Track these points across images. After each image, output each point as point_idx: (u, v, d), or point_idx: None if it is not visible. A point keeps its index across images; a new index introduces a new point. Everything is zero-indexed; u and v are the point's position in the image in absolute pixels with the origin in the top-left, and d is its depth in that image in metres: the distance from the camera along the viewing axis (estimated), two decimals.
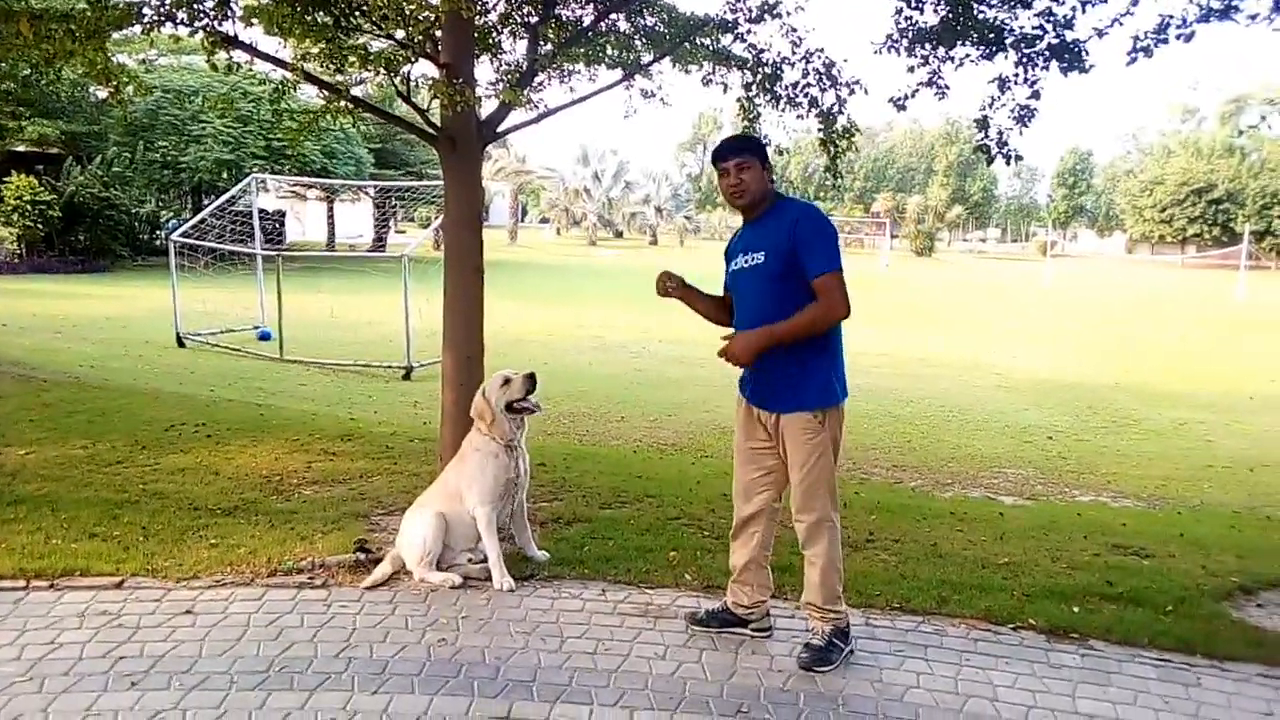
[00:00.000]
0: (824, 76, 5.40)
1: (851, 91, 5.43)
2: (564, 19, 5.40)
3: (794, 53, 5.42)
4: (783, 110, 5.59)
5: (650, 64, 5.67)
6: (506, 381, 4.08)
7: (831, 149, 5.56)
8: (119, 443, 6.27)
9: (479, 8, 4.90)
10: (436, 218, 16.34)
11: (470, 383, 4.67)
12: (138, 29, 4.70)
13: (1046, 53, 5.04)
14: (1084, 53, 4.99)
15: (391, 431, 7.38)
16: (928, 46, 5.20)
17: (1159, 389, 13.01)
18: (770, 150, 3.63)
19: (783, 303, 3.25)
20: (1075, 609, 3.86)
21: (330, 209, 40.59)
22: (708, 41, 5.61)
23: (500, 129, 5.16)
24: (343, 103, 4.92)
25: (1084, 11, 4.94)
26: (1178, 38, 4.72)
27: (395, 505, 4.89)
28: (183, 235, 14.98)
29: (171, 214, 31.26)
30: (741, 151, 3.39)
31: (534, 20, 5.36)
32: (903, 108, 5.51)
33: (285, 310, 13.32)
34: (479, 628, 3.55)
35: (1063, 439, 9.37)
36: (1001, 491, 6.94)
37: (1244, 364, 16.35)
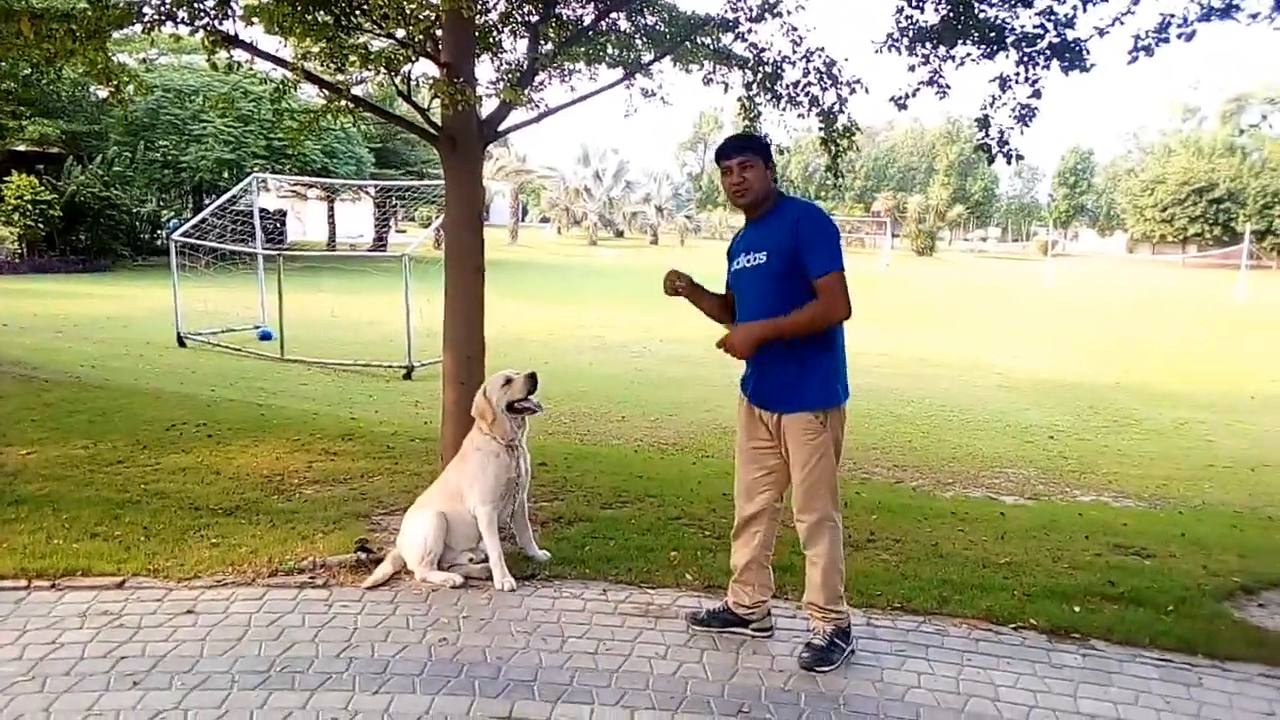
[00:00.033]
0: (825, 75, 5.40)
1: (852, 90, 5.44)
2: (564, 18, 5.40)
3: (795, 52, 5.42)
4: (783, 109, 5.59)
5: (651, 63, 5.67)
6: (508, 381, 4.07)
7: (832, 148, 5.56)
8: (120, 442, 6.27)
9: (479, 7, 4.89)
10: (437, 217, 16.36)
11: (471, 382, 4.67)
12: (138, 28, 4.71)
13: (1047, 52, 5.03)
14: (1085, 52, 4.99)
15: (392, 431, 7.38)
16: (928, 45, 5.20)
17: (1160, 389, 13.01)
18: (771, 150, 3.63)
19: (785, 302, 3.24)
20: (1076, 609, 3.85)
21: (331, 208, 40.62)
22: (708, 41, 5.61)
23: (501, 128, 5.16)
24: (343, 102, 4.92)
25: (1085, 10, 4.94)
26: (1179, 37, 4.71)
27: (396, 505, 4.89)
28: (183, 235, 14.99)
29: (172, 213, 31.27)
30: (745, 150, 3.38)
31: (534, 19, 5.36)
32: (904, 107, 5.51)
33: (286, 310, 13.32)
34: (480, 627, 3.55)
35: (1064, 439, 9.36)
36: (1003, 491, 6.93)
37: (1245, 364, 16.35)
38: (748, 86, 5.63)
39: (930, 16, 5.17)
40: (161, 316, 14.48)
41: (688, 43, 5.55)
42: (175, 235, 14.95)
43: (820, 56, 5.38)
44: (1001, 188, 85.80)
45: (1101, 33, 4.92)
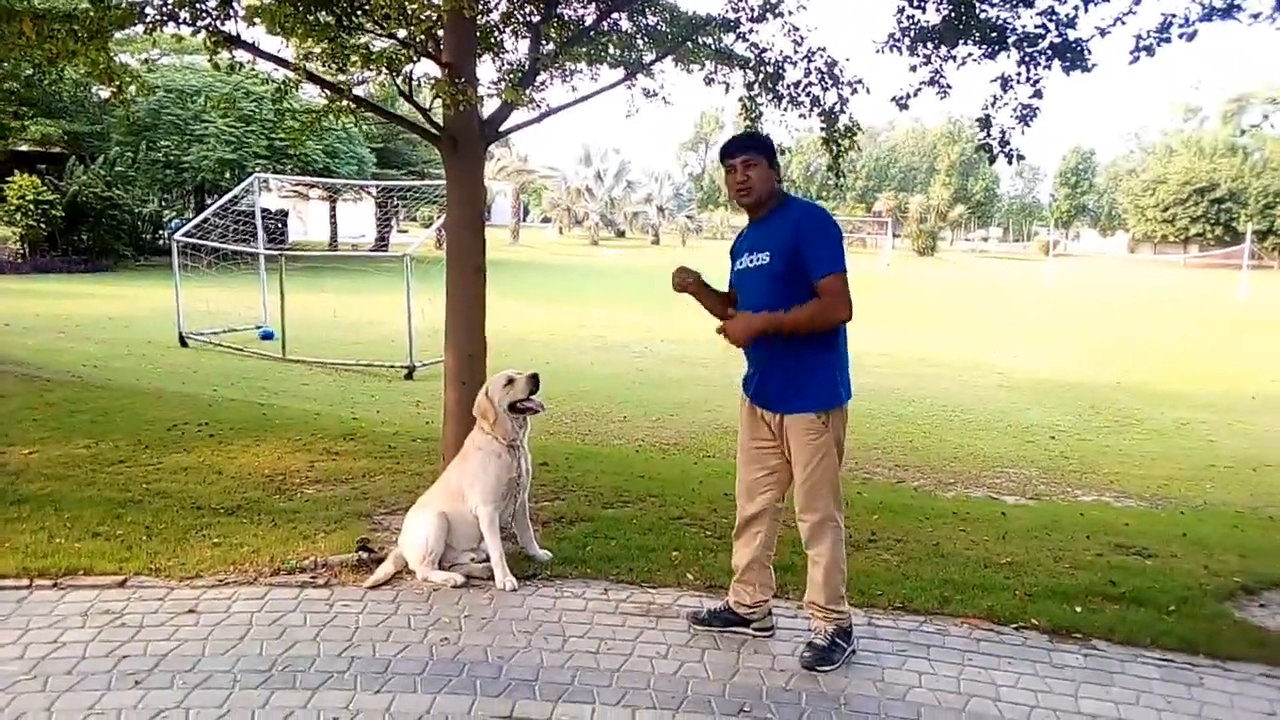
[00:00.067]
0: (826, 75, 5.40)
1: (854, 90, 5.44)
2: (566, 18, 5.40)
3: (796, 52, 5.42)
4: (785, 109, 5.59)
5: (652, 63, 5.67)
6: (510, 381, 4.08)
7: (834, 148, 5.57)
8: (122, 442, 6.28)
9: (481, 7, 4.89)
10: (439, 217, 16.37)
11: (473, 382, 4.67)
12: (140, 28, 4.71)
13: (1049, 52, 5.03)
14: (1086, 52, 4.99)
15: (394, 431, 7.38)
16: (930, 45, 5.20)
17: (1161, 389, 13.00)
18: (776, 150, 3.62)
19: (786, 303, 3.24)
20: (1078, 609, 3.85)
21: (333, 208, 40.64)
22: (710, 41, 5.61)
23: (502, 128, 5.16)
24: (345, 102, 4.93)
25: (1086, 10, 4.93)
26: (1180, 37, 4.71)
27: (398, 504, 4.90)
28: (185, 235, 15.00)
29: (174, 213, 31.33)
30: (749, 149, 3.38)
31: (536, 19, 5.36)
32: (905, 107, 5.50)
33: (288, 310, 13.33)
34: (481, 627, 3.56)
35: (1065, 439, 9.36)
36: (1004, 491, 6.93)
37: (1246, 364, 16.34)
38: (749, 86, 5.63)
39: (932, 16, 5.17)
40: (163, 316, 14.49)
41: (689, 43, 5.56)
42: (177, 235, 14.95)
43: (822, 56, 5.38)
44: (1003, 188, 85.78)
45: (1103, 33, 4.92)
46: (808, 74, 5.42)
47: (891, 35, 5.29)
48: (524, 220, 63.87)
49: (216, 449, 6.24)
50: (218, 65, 4.84)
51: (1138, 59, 4.84)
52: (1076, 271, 48.94)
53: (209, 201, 24.85)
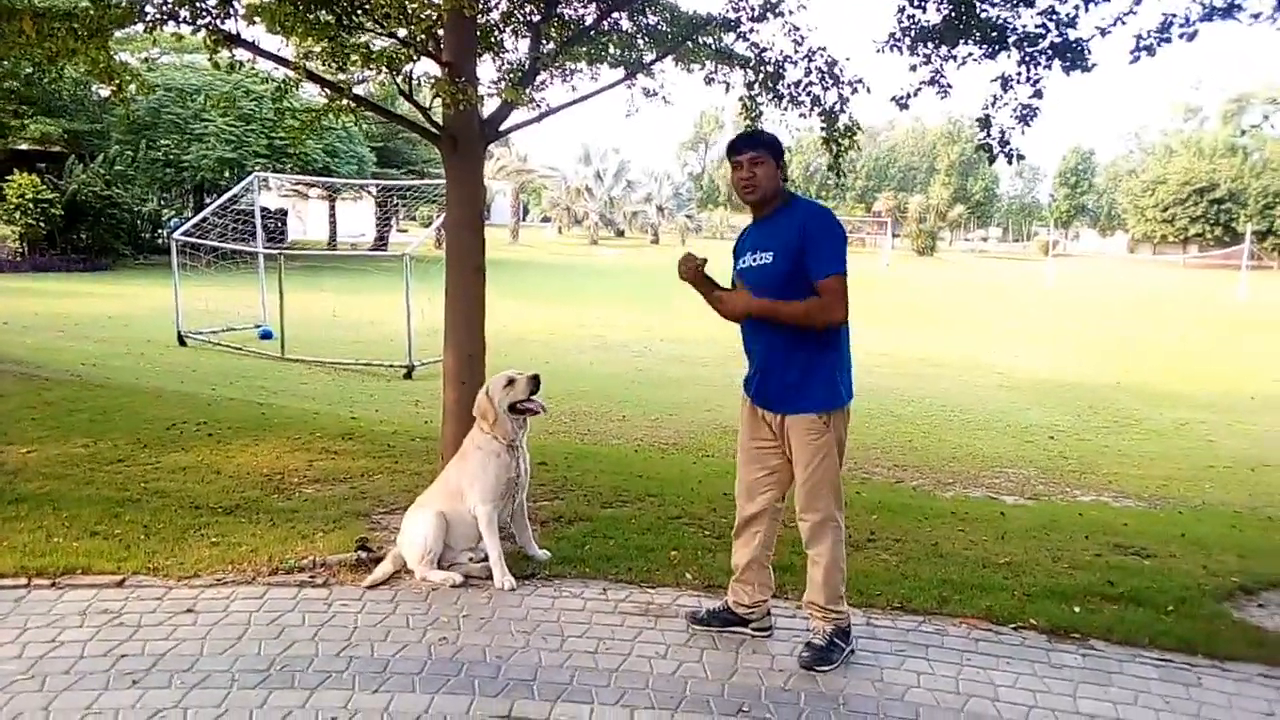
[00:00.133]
0: (826, 75, 5.40)
1: (854, 90, 5.44)
2: (566, 17, 5.39)
3: (796, 51, 5.42)
4: (785, 109, 5.59)
5: (652, 63, 5.67)
6: (510, 382, 4.07)
7: (834, 148, 5.57)
8: (120, 441, 6.27)
9: (481, 6, 4.89)
10: (438, 217, 16.37)
11: (472, 381, 4.67)
12: (140, 27, 4.71)
13: (1049, 52, 5.03)
14: (1086, 52, 4.99)
15: (393, 430, 7.38)
16: (930, 45, 5.20)
17: (1160, 389, 13.00)
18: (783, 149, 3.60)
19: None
20: (1076, 609, 3.85)
21: (332, 208, 40.61)
22: (710, 40, 5.61)
23: (502, 128, 5.16)
24: (345, 101, 4.93)
25: (1087, 10, 4.93)
26: (1180, 37, 4.71)
27: (396, 504, 4.90)
28: (185, 234, 15.00)
29: (173, 212, 31.29)
30: (756, 146, 3.37)
31: (536, 19, 5.36)
32: (905, 106, 5.51)
33: (287, 309, 13.33)
34: (480, 626, 3.56)
35: (1064, 439, 9.36)
36: (1003, 491, 6.93)
37: (1245, 364, 16.35)
38: (749, 86, 5.63)
39: (932, 16, 5.17)
40: (162, 315, 14.49)
41: (689, 42, 5.56)
42: (176, 234, 14.96)
43: (822, 56, 5.38)
44: (1002, 188, 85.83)
45: (1103, 32, 4.92)
46: (808, 73, 5.42)
47: (892, 35, 5.29)
48: (523, 220, 63.86)
49: (215, 448, 6.24)
50: (217, 64, 4.84)
51: (1138, 59, 4.84)
52: (1076, 272, 48.94)
53: (208, 200, 24.84)
